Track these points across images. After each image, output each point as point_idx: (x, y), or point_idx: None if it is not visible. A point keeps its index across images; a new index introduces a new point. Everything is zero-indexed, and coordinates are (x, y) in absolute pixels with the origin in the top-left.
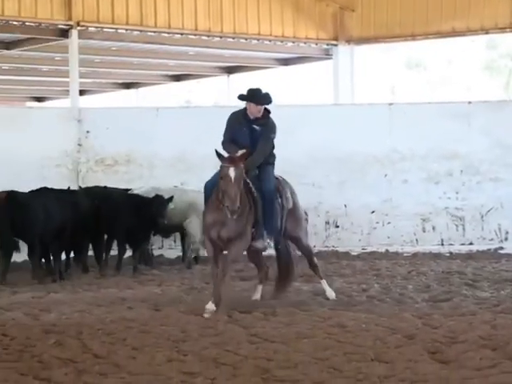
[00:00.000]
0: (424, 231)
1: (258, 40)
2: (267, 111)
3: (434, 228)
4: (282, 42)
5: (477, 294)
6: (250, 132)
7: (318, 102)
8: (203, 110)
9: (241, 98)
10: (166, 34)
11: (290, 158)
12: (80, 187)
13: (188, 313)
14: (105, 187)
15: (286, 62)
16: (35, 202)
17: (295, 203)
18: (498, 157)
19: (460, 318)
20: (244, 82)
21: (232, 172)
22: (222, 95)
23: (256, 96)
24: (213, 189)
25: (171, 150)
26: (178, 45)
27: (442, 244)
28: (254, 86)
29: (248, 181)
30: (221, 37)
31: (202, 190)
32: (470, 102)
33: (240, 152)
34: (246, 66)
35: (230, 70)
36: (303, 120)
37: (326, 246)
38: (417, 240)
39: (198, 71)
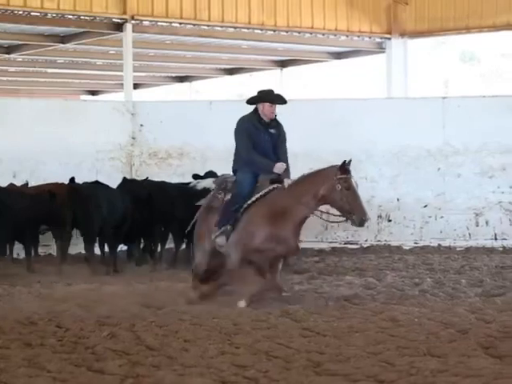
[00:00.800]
0: (477, 225)
1: (311, 33)
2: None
3: (487, 222)
4: (335, 35)
5: None
6: (270, 137)
7: (371, 95)
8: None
9: (253, 99)
10: (219, 28)
11: (342, 152)
12: (124, 178)
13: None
14: (146, 179)
15: (339, 55)
16: (97, 194)
17: None
18: None
19: None
20: (297, 75)
21: (355, 182)
22: (275, 89)
23: (270, 95)
24: (249, 196)
25: (224, 143)
26: (231, 38)
27: (496, 238)
28: (265, 88)
29: None
30: (274, 30)
31: None
32: None
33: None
34: (299, 60)
35: (283, 64)
36: (356, 114)
37: (379, 240)
38: (470, 234)
39: (251, 65)
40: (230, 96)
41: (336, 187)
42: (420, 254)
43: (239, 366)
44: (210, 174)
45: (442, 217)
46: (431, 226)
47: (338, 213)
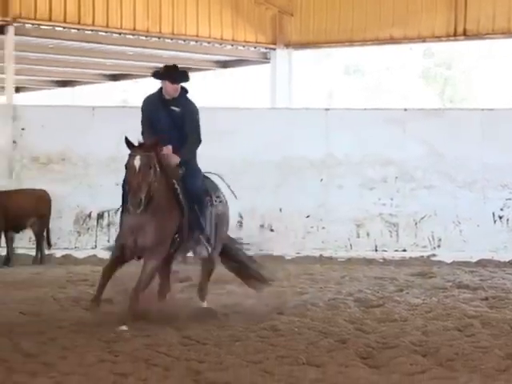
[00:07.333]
0: (358, 237)
1: (197, 42)
2: (185, 90)
3: (368, 234)
4: (220, 44)
5: (409, 300)
6: (169, 115)
7: (255, 105)
8: (139, 109)
9: (155, 75)
10: (103, 33)
11: (225, 161)
12: None
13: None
14: None
15: (224, 64)
16: None
17: (224, 204)
18: (431, 164)
19: (392, 324)
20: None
21: (137, 161)
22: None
23: (171, 73)
24: None
25: (106, 149)
26: (115, 44)
27: (376, 250)
28: (170, 63)
29: (174, 181)
30: (159, 37)
31: None
32: (405, 109)
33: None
34: (184, 68)
35: None
36: (240, 123)
37: (261, 250)
38: (351, 245)
39: (136, 71)
40: (114, 102)
41: None
42: (301, 263)
43: (118, 374)
44: None
45: (323, 227)
46: (313, 237)
47: None
